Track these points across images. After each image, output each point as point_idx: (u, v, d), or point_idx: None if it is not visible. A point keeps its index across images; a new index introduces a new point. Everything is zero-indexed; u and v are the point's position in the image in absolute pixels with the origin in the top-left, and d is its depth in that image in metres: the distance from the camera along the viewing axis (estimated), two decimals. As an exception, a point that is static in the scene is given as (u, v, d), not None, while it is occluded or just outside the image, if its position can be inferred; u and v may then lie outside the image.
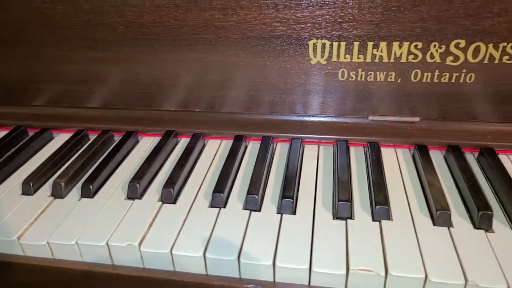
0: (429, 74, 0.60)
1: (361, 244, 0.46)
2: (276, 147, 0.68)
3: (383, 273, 0.43)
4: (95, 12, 0.63)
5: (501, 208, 0.52)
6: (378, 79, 0.62)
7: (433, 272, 0.42)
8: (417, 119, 0.65)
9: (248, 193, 0.54)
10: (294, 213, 0.52)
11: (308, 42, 0.61)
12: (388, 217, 0.50)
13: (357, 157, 0.64)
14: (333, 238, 0.48)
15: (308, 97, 0.66)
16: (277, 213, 0.52)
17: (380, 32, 0.58)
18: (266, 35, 0.61)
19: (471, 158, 0.62)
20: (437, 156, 0.63)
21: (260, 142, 0.66)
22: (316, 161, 0.63)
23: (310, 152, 0.65)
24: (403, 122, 0.65)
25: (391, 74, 0.61)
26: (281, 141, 0.68)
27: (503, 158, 0.61)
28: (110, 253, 0.50)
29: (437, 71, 0.60)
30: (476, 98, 0.61)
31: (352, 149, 0.66)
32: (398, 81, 0.62)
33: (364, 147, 0.66)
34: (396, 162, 0.62)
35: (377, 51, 0.60)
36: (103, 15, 0.63)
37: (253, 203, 0.53)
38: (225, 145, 0.68)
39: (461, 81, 0.60)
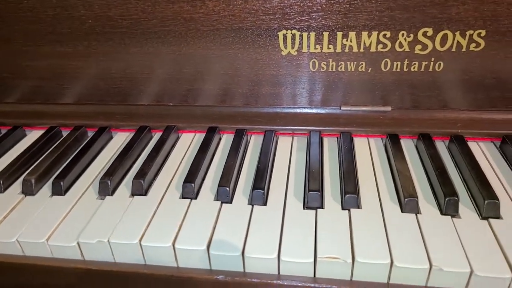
0: (399, 63, 0.61)
1: (329, 233, 0.47)
2: (250, 139, 0.68)
3: (349, 260, 0.43)
4: (62, 6, 0.62)
5: (468, 195, 0.53)
6: (349, 69, 0.62)
7: (398, 258, 0.43)
8: (389, 108, 0.65)
9: (219, 185, 0.54)
10: (265, 204, 0.52)
11: (278, 33, 0.60)
12: (358, 205, 0.51)
13: (330, 147, 0.64)
14: (303, 228, 0.48)
15: (281, 88, 0.66)
16: (248, 204, 0.53)
17: (348, 22, 0.58)
18: (236, 26, 0.61)
19: (442, 146, 0.63)
20: (408, 145, 0.64)
21: (234, 134, 0.66)
22: (289, 153, 0.63)
23: (283, 144, 0.65)
24: (376, 111, 0.66)
25: (362, 64, 0.62)
26: (255, 133, 0.68)
27: (472, 145, 0.62)
28: (81, 251, 0.50)
29: (406, 60, 0.60)
30: (446, 86, 0.62)
31: (326, 140, 0.66)
32: (369, 71, 0.62)
33: (337, 137, 0.66)
34: (368, 151, 0.62)
35: (347, 41, 0.60)
36: (70, 8, 0.62)
37: (224, 194, 0.53)
38: (199, 138, 0.68)
39: (430, 69, 0.61)
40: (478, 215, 0.49)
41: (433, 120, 0.65)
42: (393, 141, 0.62)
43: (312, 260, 0.44)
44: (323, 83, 0.64)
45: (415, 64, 0.60)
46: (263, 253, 0.45)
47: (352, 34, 0.59)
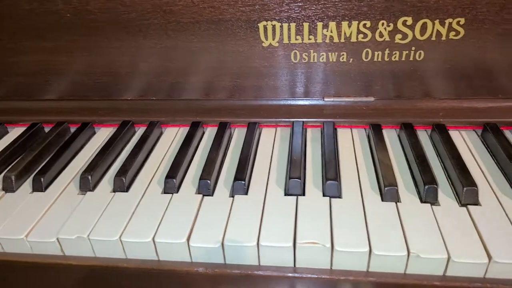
0: (380, 53, 0.61)
1: (309, 219, 0.47)
2: (234, 132, 0.67)
3: (328, 245, 0.43)
4: (38, 1, 0.61)
5: (449, 183, 0.53)
6: (331, 60, 0.62)
7: (377, 246, 0.43)
8: (371, 99, 0.65)
9: (200, 178, 0.54)
10: (247, 194, 0.52)
11: (258, 25, 0.60)
12: (339, 193, 0.51)
13: (314, 138, 0.64)
14: (283, 214, 0.48)
15: (263, 80, 0.65)
16: (230, 196, 0.53)
17: (328, 12, 0.58)
18: (216, 18, 0.60)
19: (424, 135, 0.63)
20: (391, 135, 0.64)
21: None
22: (273, 144, 0.63)
23: (267, 136, 0.65)
24: (359, 102, 0.66)
25: (343, 54, 0.62)
26: (239, 126, 0.68)
27: (454, 134, 0.62)
28: (61, 247, 0.49)
29: (387, 49, 0.60)
30: (427, 75, 0.62)
31: (309, 131, 0.66)
32: (350, 61, 0.62)
33: (321, 128, 0.66)
34: (351, 141, 0.62)
35: (327, 31, 0.60)
36: (47, 3, 0.61)
37: (205, 187, 0.53)
38: (183, 132, 0.68)
39: (411, 59, 0.61)
40: (458, 203, 0.49)
41: (416, 110, 0.65)
42: (376, 131, 0.62)
43: (291, 244, 0.44)
44: (305, 74, 0.64)
45: (396, 53, 0.60)
46: (242, 241, 0.45)
47: (332, 25, 0.59)
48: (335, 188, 0.51)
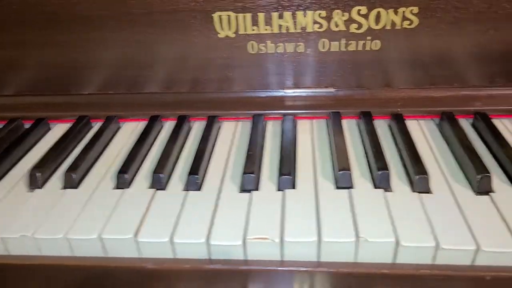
0: (337, 43, 0.60)
1: (261, 214, 0.46)
2: (193, 126, 0.66)
3: (278, 240, 0.43)
4: (-19, -9, 0.59)
5: (404, 170, 0.53)
6: (288, 51, 0.62)
7: (327, 233, 0.42)
8: (332, 89, 0.65)
9: (154, 172, 0.52)
10: (200, 189, 0.51)
11: (213, 15, 0.59)
12: (293, 186, 0.50)
13: (274, 131, 0.63)
14: (235, 210, 0.47)
15: (222, 73, 0.64)
16: (184, 190, 0.51)
17: (282, 2, 0.57)
18: (169, 9, 0.59)
19: (383, 125, 0.63)
20: (351, 125, 0.63)
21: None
22: (232, 138, 0.62)
23: (226, 129, 0.64)
24: (319, 93, 0.65)
25: (300, 45, 0.61)
26: (198, 119, 0.67)
27: (412, 123, 0.62)
28: (6, 246, 0.47)
29: (343, 39, 0.60)
30: (384, 65, 0.62)
31: (270, 123, 0.65)
32: (307, 52, 0.61)
33: (281, 120, 0.65)
34: (311, 133, 0.62)
35: (283, 21, 0.59)
36: (-9, -6, 0.59)
37: (158, 181, 0.52)
38: (142, 126, 0.66)
39: (368, 48, 0.61)
40: (411, 190, 0.49)
41: (375, 100, 0.65)
42: (335, 121, 0.62)
43: (241, 242, 0.43)
44: (263, 65, 0.63)
45: (352, 43, 0.60)
46: (192, 238, 0.44)
47: (287, 14, 0.58)
48: (289, 182, 0.50)
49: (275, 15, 0.58)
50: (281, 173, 0.51)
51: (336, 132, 0.58)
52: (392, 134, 0.61)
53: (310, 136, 0.61)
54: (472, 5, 0.56)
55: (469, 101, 0.63)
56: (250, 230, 0.44)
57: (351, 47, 0.60)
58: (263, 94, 0.66)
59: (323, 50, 0.61)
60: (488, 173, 0.48)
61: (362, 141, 0.59)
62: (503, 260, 0.41)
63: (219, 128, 0.65)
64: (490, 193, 0.47)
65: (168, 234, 0.44)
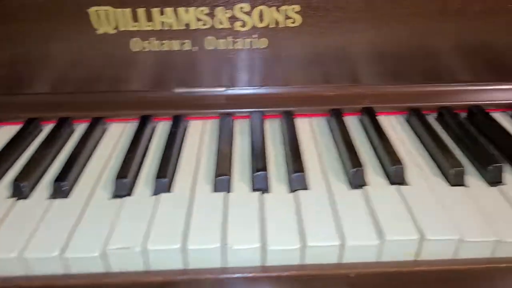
0: (223, 40, 0.59)
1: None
2: (76, 128, 0.62)
3: (138, 249, 0.40)
4: None
5: (285, 169, 0.53)
6: (175, 49, 0.59)
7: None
8: (223, 88, 0.64)
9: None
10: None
11: (89, 10, 0.55)
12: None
13: (161, 133, 0.60)
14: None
15: (105, 72, 0.60)
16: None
17: (162, -3, 0.55)
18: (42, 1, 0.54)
19: (274, 124, 0.63)
20: (241, 125, 0.62)
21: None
22: (115, 142, 0.58)
23: (112, 132, 0.61)
24: (210, 92, 0.64)
25: (186, 43, 0.59)
26: (82, 121, 0.62)
27: (300, 121, 0.63)
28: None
29: (230, 37, 0.59)
30: (273, 63, 0.62)
31: (160, 125, 0.62)
32: (195, 50, 0.59)
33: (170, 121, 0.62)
34: (200, 134, 0.60)
35: (165, 17, 0.57)
36: None
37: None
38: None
39: (255, 46, 0.60)
40: (288, 190, 0.48)
41: (269, 99, 0.64)
42: (223, 122, 0.60)
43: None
44: (149, 64, 0.60)
45: (238, 41, 0.59)
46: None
47: (168, 11, 0.56)
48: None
49: (155, 11, 0.56)
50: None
51: (224, 135, 0.57)
52: (281, 133, 0.61)
53: (199, 137, 0.59)
54: (353, 4, 0.57)
55: (358, 99, 0.64)
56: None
57: (238, 45, 0.59)
58: (152, 94, 0.63)
59: (210, 49, 0.59)
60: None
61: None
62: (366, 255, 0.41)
63: (104, 130, 0.61)
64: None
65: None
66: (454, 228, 0.42)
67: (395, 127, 0.61)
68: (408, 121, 0.63)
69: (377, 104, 0.64)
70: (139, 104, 0.62)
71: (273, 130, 0.61)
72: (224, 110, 0.63)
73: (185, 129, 0.61)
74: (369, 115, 0.61)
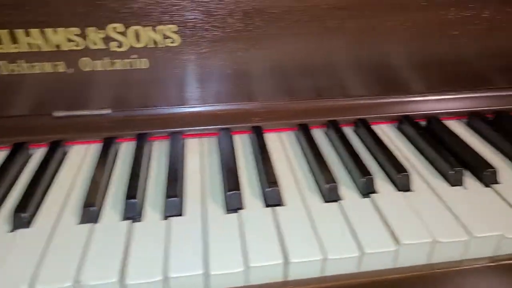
0: (100, 61, 0.57)
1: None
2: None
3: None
4: None
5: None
6: (48, 71, 0.56)
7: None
8: (108, 111, 0.61)
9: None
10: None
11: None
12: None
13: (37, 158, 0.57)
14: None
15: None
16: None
17: (25, 17, 0.52)
18: None
19: (161, 146, 0.61)
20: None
21: None
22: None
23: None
24: (93, 115, 0.61)
25: (60, 64, 0.56)
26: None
27: (191, 141, 0.61)
28: None
29: (107, 58, 0.57)
30: (155, 83, 0.60)
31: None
32: (70, 72, 0.57)
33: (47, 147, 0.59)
34: (82, 159, 0.57)
35: (31, 39, 0.53)
36: None
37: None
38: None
39: (136, 67, 0.58)
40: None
41: (155, 119, 0.62)
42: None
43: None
44: (22, 87, 0.57)
45: (117, 62, 0.57)
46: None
47: (34, 32, 0.53)
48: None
49: (20, 32, 0.53)
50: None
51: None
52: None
53: (80, 162, 0.56)
54: (229, 24, 0.57)
55: (249, 117, 0.64)
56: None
57: (117, 66, 0.57)
58: (28, 120, 0.59)
59: (86, 70, 0.57)
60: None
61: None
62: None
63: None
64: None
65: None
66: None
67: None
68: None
69: (267, 121, 0.64)
70: (11, 129, 0.58)
71: (159, 152, 0.59)
72: (106, 133, 0.60)
73: (64, 155, 0.57)
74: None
